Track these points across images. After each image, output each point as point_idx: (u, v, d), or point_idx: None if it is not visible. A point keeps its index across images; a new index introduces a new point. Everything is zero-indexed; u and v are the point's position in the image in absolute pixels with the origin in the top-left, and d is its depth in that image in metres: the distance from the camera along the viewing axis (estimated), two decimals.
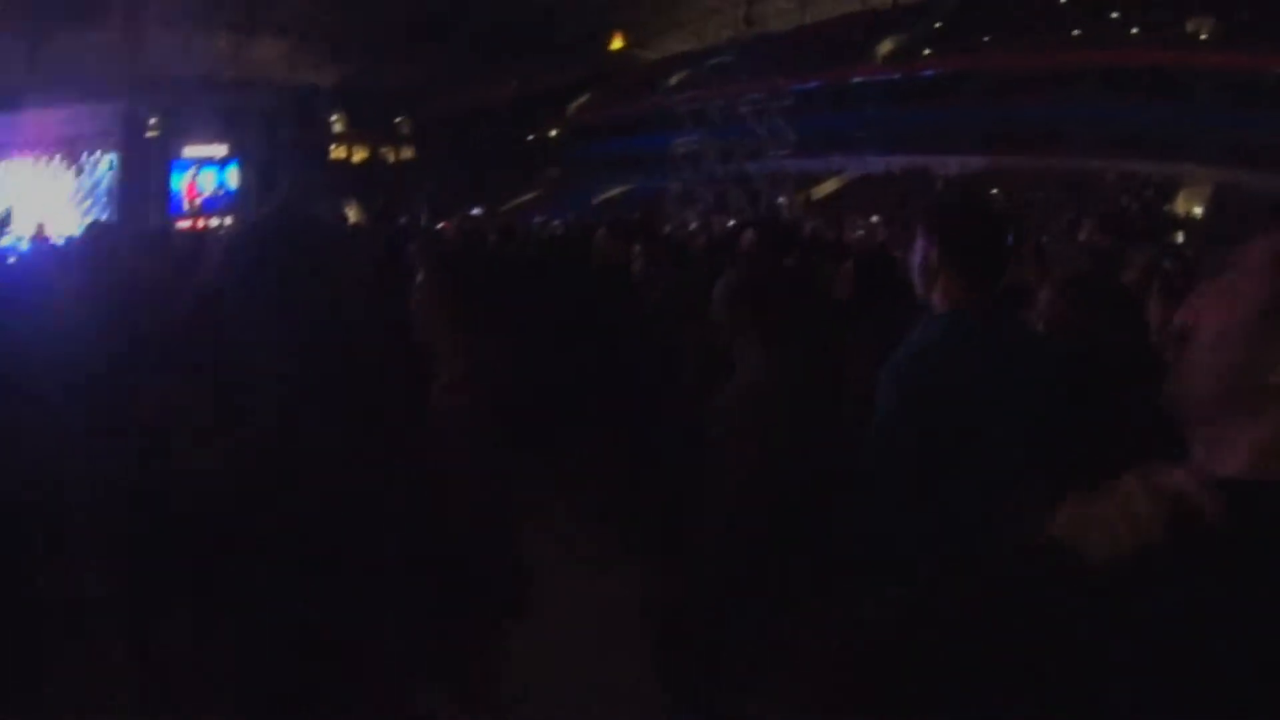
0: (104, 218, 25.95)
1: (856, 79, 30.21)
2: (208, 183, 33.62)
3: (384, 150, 36.60)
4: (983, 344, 1.67)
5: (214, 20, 34.55)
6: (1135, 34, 25.41)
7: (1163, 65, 24.49)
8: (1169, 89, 24.02)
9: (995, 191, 22.77)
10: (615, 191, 32.15)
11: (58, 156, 33.22)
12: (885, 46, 30.51)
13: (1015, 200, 22.01)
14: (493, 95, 33.33)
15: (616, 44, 32.38)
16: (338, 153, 36.11)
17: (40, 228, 14.87)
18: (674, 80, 34.04)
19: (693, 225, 13.92)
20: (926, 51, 29.90)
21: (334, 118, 36.02)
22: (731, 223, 13.42)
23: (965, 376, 1.57)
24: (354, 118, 36.90)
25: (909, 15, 30.98)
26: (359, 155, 36.10)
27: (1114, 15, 26.50)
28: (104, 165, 33.06)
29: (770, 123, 26.07)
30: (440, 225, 11.97)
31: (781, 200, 23.62)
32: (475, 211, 21.81)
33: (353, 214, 26.22)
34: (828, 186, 28.81)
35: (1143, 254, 6.94)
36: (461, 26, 32.20)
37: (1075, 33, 26.86)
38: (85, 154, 33.50)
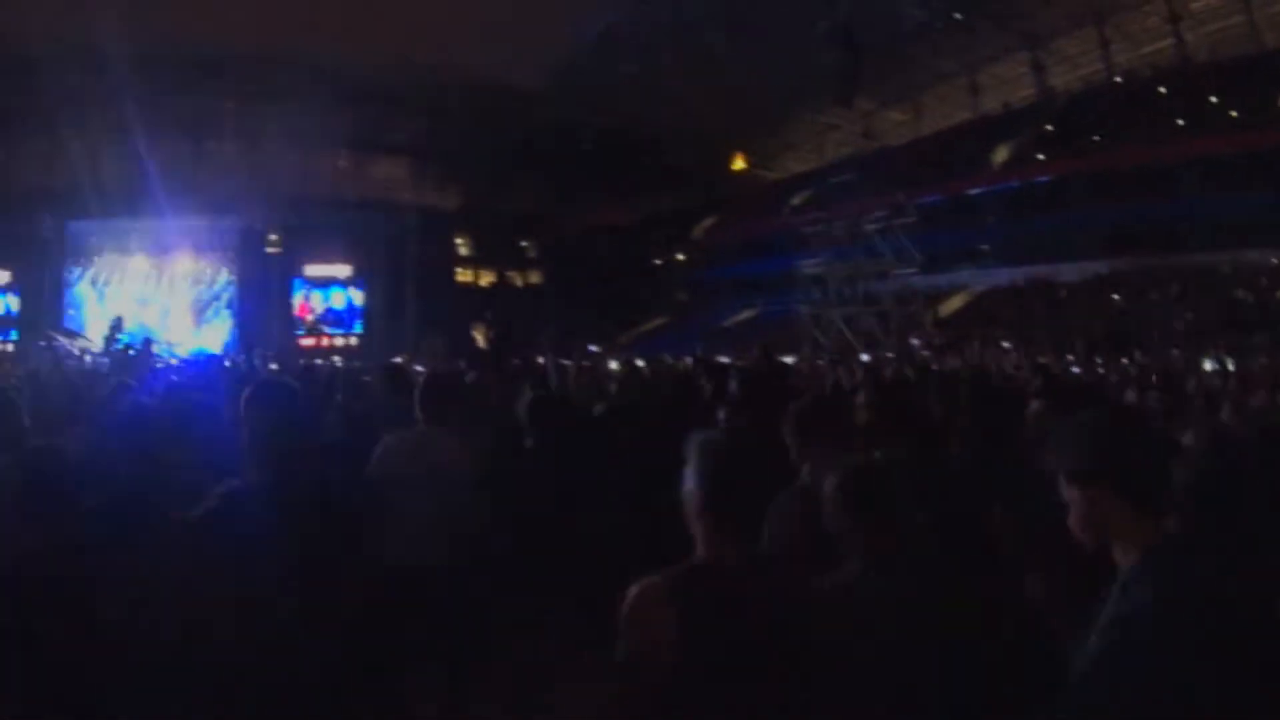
0: (223, 329, 44.44)
1: (974, 190, 41.25)
2: (333, 301, 47.43)
3: (510, 274, 48.87)
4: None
5: (334, 139, 48.43)
6: (1235, 117, 34.06)
7: (1263, 148, 31.99)
8: (1273, 173, 31.34)
9: (1116, 298, 32.39)
10: (744, 315, 43.79)
11: (176, 266, 48.80)
12: (1000, 154, 41.46)
13: (1134, 303, 31.31)
14: (617, 219, 45.15)
15: (738, 165, 43.66)
16: (463, 276, 48.54)
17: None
18: (797, 200, 46.37)
19: (821, 361, 18.38)
20: (1038, 156, 40.80)
21: (458, 240, 48.52)
22: (863, 360, 18.79)
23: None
24: (478, 240, 49.23)
25: (1020, 119, 42.56)
26: (485, 279, 48.40)
27: (1213, 100, 35.64)
28: (223, 278, 47.53)
29: (894, 240, 36.22)
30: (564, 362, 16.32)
31: (915, 342, 31.32)
32: (593, 349, 30.62)
33: (480, 338, 39.64)
34: (954, 303, 39.04)
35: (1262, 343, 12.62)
36: (581, 150, 45.32)
37: (1179, 122, 36.47)
38: (205, 266, 48.50)
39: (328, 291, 47.61)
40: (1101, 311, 33.69)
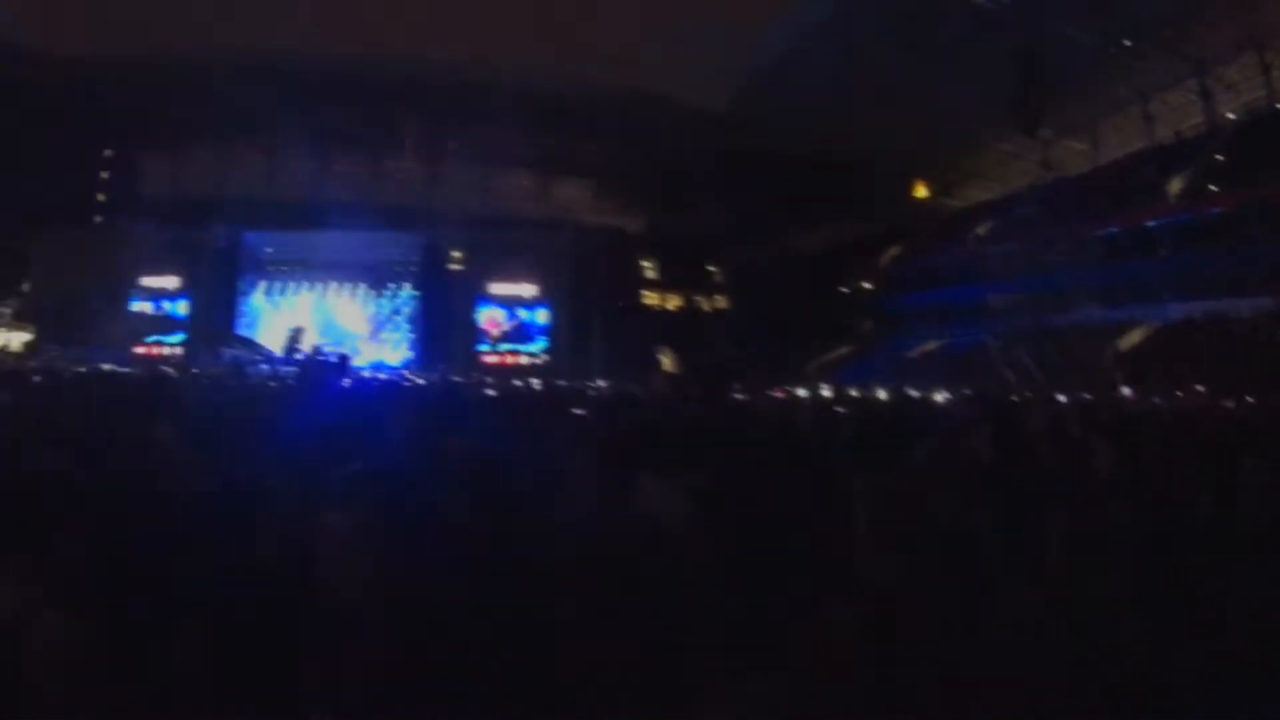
0: (403, 345, 63.93)
1: (1150, 222, 52.22)
2: (517, 319, 64.58)
3: (697, 297, 64.54)
4: None
5: (518, 159, 65.12)
6: None
7: None
8: None
9: None
10: (930, 346, 57.01)
11: (361, 280, 65.64)
12: (1174, 184, 52.93)
13: None
14: (803, 245, 61.60)
15: (922, 192, 59.11)
16: (649, 298, 64.06)
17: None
18: (980, 230, 60.40)
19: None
20: (1211, 187, 51.23)
21: (644, 262, 63.95)
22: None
23: None
24: (664, 263, 65.23)
25: (1191, 149, 54.41)
26: (672, 301, 64.23)
27: None
28: (403, 293, 65.01)
29: (1075, 273, 49.41)
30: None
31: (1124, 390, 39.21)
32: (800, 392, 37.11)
33: (666, 362, 54.41)
34: (1133, 338, 50.59)
35: None
36: (767, 174, 61.31)
37: None
38: (389, 280, 65.52)
39: (512, 310, 64.42)
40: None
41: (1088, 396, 28.68)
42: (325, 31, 63.53)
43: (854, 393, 32.77)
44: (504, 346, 65.85)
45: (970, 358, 51.29)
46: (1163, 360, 45.05)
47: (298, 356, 43.10)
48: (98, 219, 70.54)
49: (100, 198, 71.40)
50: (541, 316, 65.71)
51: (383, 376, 38.29)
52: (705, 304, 69.85)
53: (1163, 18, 53.23)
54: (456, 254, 65.58)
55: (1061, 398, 28.25)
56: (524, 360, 64.43)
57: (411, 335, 66.60)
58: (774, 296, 64.47)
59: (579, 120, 64.73)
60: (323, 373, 24.73)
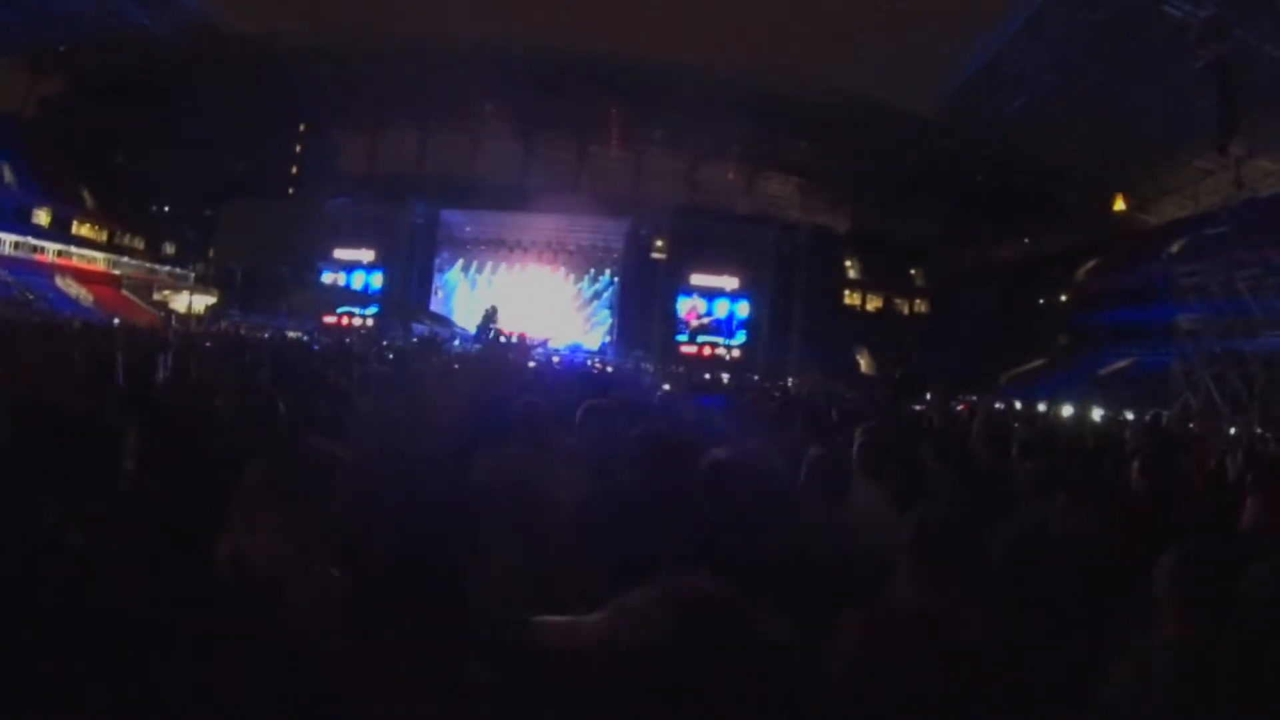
0: (600, 329, 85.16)
1: None
2: (717, 311, 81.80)
3: (897, 301, 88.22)
4: None
5: (725, 152, 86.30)
6: None
7: None
8: None
9: None
10: (1120, 364, 74.51)
11: (560, 263, 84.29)
12: None
13: None
14: (1004, 254, 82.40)
15: (1119, 206, 77.76)
16: (851, 298, 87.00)
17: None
18: (1174, 248, 74.75)
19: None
20: None
21: (847, 262, 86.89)
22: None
23: None
24: (867, 264, 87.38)
25: None
26: (872, 303, 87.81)
27: None
28: (604, 278, 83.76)
29: (1265, 298, 58.43)
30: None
31: None
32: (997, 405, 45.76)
33: (864, 363, 79.27)
34: None
35: None
36: (971, 181, 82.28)
37: None
38: (589, 265, 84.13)
39: (712, 301, 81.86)
40: None
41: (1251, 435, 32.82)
42: (539, 18, 74.88)
43: (1022, 409, 40.54)
44: (702, 338, 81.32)
45: (1156, 379, 59.68)
46: None
47: (490, 335, 51.00)
48: (290, 191, 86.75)
49: (294, 171, 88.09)
50: (742, 310, 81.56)
51: (572, 360, 49.07)
52: (905, 307, 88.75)
53: None
54: (659, 243, 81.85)
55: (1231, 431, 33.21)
56: (721, 352, 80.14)
57: (610, 321, 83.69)
58: (972, 304, 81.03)
59: (789, 117, 79.32)
60: (511, 352, 29.13)
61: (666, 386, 25.31)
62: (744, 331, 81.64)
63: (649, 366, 57.61)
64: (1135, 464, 9.96)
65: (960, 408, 29.78)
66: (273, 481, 4.34)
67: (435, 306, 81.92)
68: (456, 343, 53.99)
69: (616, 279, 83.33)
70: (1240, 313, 57.95)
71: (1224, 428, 34.96)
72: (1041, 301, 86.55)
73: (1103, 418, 40.21)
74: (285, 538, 4.19)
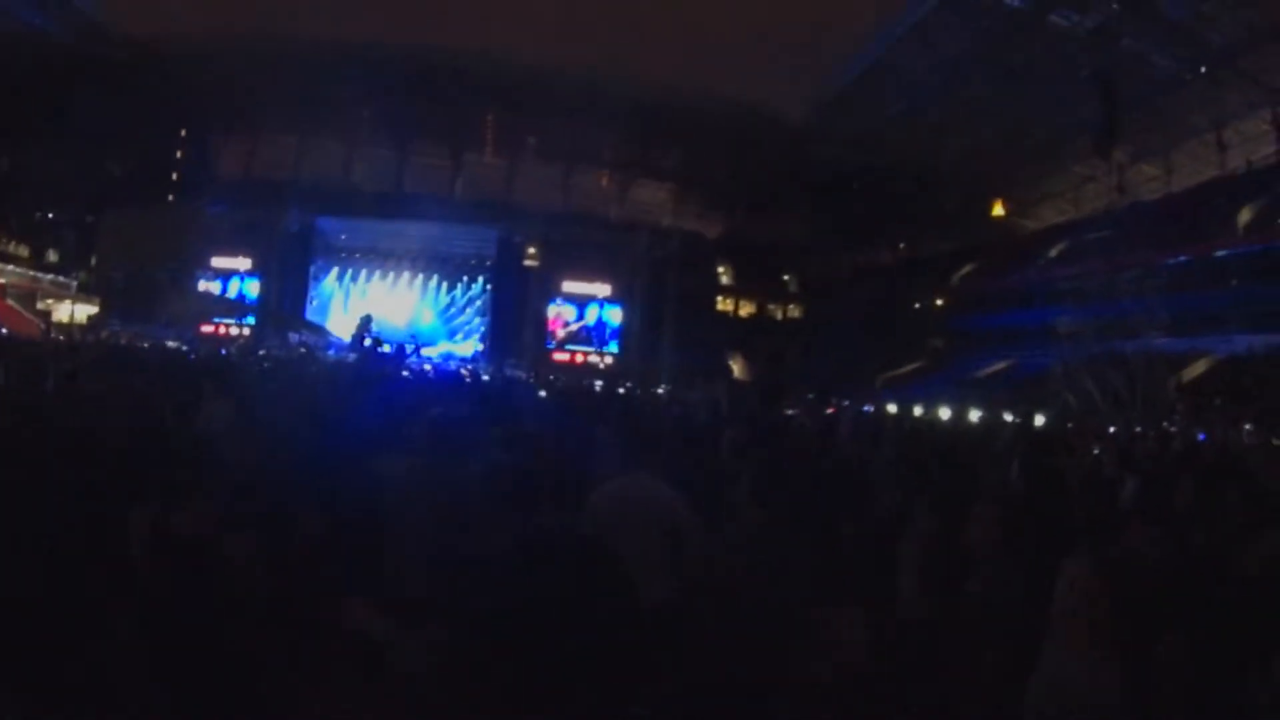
0: (473, 337, 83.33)
1: (1219, 252, 63.70)
2: (587, 318, 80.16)
3: (771, 306, 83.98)
4: None
5: (598, 159, 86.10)
6: None
7: None
8: None
9: None
10: (998, 366, 74.68)
11: (429, 271, 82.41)
12: (1244, 215, 65.00)
13: None
14: (878, 259, 75.45)
15: (997, 211, 73.65)
16: (724, 304, 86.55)
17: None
18: (1053, 252, 78.53)
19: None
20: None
21: (720, 268, 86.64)
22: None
23: None
24: (740, 270, 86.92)
25: (1265, 179, 67.22)
26: (745, 308, 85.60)
27: None
28: (476, 287, 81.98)
29: (1144, 300, 61.02)
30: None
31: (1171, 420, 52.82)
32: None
33: (737, 368, 68.31)
34: (1196, 369, 65.74)
35: None
36: (845, 187, 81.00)
37: None
38: (462, 273, 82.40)
39: (584, 308, 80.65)
40: None
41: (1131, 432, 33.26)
42: (407, 22, 72.89)
43: (894, 411, 40.30)
44: (574, 345, 79.81)
45: (1036, 381, 60.26)
46: (1223, 393, 51.93)
47: (365, 344, 49.60)
48: (170, 198, 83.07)
49: (174, 177, 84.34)
50: (614, 317, 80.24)
51: (444, 368, 48.85)
52: (779, 313, 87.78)
53: (1241, 46, 61.04)
54: (532, 250, 79.89)
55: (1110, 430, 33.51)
56: (593, 360, 79.01)
57: (483, 329, 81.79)
58: (847, 309, 79.33)
59: (661, 124, 77.94)
60: (384, 361, 28.40)
61: (542, 393, 27.30)
62: (616, 339, 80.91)
63: (520, 374, 55.91)
64: (1014, 464, 11.16)
65: (829, 411, 30.94)
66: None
67: (311, 315, 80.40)
68: (331, 352, 53.31)
69: (489, 286, 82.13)
70: (1120, 314, 59.13)
71: (1104, 427, 35.24)
72: (917, 306, 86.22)
73: (980, 419, 40.40)
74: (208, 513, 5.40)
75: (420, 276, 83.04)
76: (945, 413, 43.44)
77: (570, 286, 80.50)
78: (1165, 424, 40.75)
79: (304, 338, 67.44)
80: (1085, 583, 5.10)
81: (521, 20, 74.03)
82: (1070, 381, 53.98)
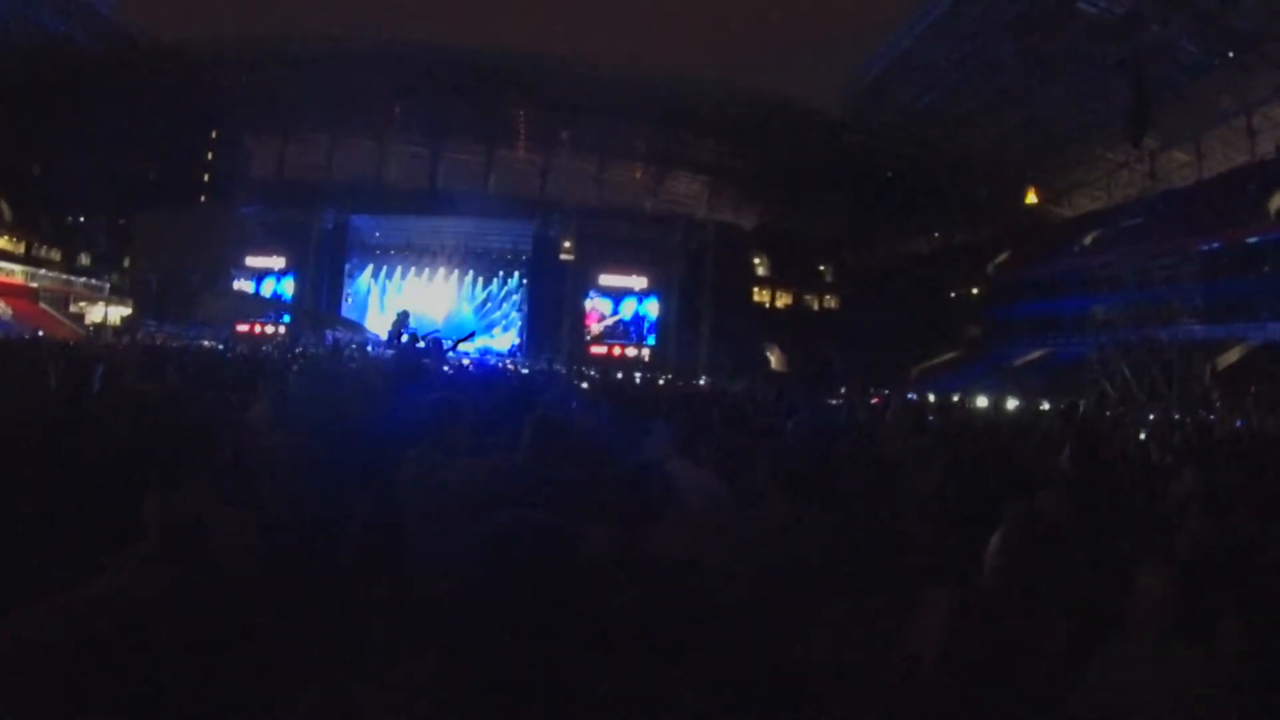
0: (510, 331, 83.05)
1: (1252, 238, 63.23)
2: (623, 312, 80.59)
3: (807, 296, 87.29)
4: None
5: (633, 152, 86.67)
6: None
7: None
8: None
9: None
10: (1034, 355, 75.20)
11: (470, 267, 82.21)
12: (1276, 201, 64.23)
13: None
14: (914, 248, 74.36)
15: (1031, 199, 72.14)
16: (760, 295, 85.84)
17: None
18: (1087, 240, 78.84)
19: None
20: None
21: (756, 260, 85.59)
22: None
23: None
24: (775, 261, 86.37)
25: None
26: (781, 300, 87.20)
27: None
28: (513, 281, 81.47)
29: (1179, 287, 62.88)
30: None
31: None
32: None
33: (774, 360, 67.20)
34: (1231, 355, 65.25)
35: None
36: (880, 176, 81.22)
37: None
38: (498, 268, 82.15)
39: (620, 302, 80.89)
40: None
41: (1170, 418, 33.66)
42: (446, 19, 72.61)
43: (936, 400, 39.93)
44: (611, 339, 79.37)
45: (1072, 370, 58.93)
46: (1257, 380, 48.70)
47: (402, 341, 49.08)
48: (202, 199, 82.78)
49: (206, 178, 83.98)
50: (650, 310, 79.62)
51: (485, 362, 48.36)
52: (815, 303, 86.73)
53: (1268, 31, 60.30)
54: (567, 244, 78.00)
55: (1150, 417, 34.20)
56: (630, 353, 78.30)
57: (520, 323, 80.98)
58: (883, 299, 78.75)
59: (696, 117, 76.33)
60: (422, 356, 28.21)
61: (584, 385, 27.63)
62: (653, 333, 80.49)
63: (560, 368, 55.44)
64: (1066, 452, 10.46)
65: (874, 401, 29.58)
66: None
67: (346, 312, 79.91)
68: (369, 348, 52.89)
69: (525, 281, 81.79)
70: (1155, 301, 59.29)
71: (1143, 414, 35.08)
72: (953, 295, 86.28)
73: (1018, 408, 40.25)
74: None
75: (456, 272, 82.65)
76: (983, 401, 43.21)
77: (606, 280, 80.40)
78: (1201, 411, 40.13)
79: (340, 335, 65.75)
80: (1161, 574, 5.24)
81: (553, 14, 74.11)
82: (1106, 369, 53.31)
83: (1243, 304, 61.06)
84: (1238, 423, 32.93)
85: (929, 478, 8.92)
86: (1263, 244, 61.09)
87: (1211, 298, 60.77)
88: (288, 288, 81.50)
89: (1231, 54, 64.01)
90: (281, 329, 76.36)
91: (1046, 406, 36.62)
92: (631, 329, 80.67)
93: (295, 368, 22.54)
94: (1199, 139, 73.94)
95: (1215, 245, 63.26)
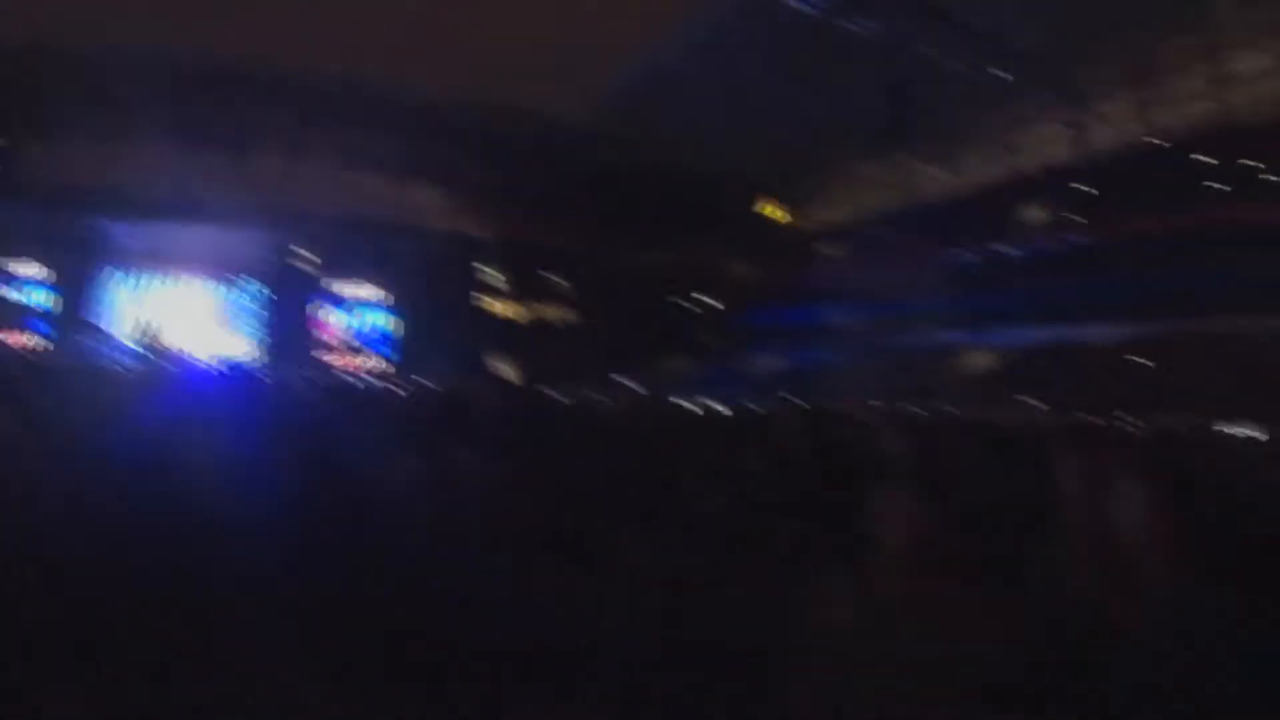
0: (250, 341, 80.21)
1: (1007, 250, 63.97)
2: (360, 322, 79.74)
3: (543, 308, 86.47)
4: None
5: (373, 162, 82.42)
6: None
7: None
8: None
9: (1145, 361, 48.45)
10: (774, 362, 73.40)
11: (209, 275, 79.09)
12: (1033, 214, 64.69)
13: (1164, 367, 47.42)
14: (652, 259, 76.24)
15: (775, 212, 72.36)
16: (494, 306, 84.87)
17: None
18: (832, 250, 78.21)
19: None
20: (1074, 218, 62.89)
21: (491, 270, 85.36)
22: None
23: None
24: (511, 272, 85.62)
25: (1057, 180, 66.82)
26: (516, 312, 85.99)
27: (1258, 165, 53.31)
28: (253, 290, 79.45)
29: (925, 295, 62.89)
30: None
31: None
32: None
33: (505, 370, 66.55)
34: (979, 361, 65.47)
35: None
36: (619, 188, 79.58)
37: (1223, 186, 54.07)
38: (233, 277, 79.14)
39: (355, 312, 79.73)
40: (1130, 375, 46.67)
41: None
42: (192, 25, 70.86)
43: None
44: (345, 349, 78.73)
45: (814, 376, 60.39)
46: (1004, 381, 53.24)
47: (144, 349, 48.69)
48: None
49: None
50: (385, 320, 79.91)
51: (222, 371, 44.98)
52: (551, 315, 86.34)
53: (1037, 51, 60.02)
54: (306, 253, 78.67)
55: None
56: (364, 362, 77.73)
57: (259, 333, 79.39)
58: (621, 309, 78.93)
59: (435, 127, 75.77)
60: (164, 365, 27.01)
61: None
62: (387, 342, 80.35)
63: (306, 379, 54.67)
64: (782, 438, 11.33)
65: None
66: None
67: (97, 320, 75.98)
68: (119, 357, 51.28)
69: (265, 290, 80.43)
70: (900, 312, 61.59)
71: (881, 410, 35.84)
72: (693, 305, 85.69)
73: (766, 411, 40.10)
74: None
75: (201, 281, 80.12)
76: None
77: (344, 289, 79.88)
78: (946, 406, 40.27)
79: (90, 343, 65.20)
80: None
81: (302, 25, 72.22)
82: (849, 376, 54.66)
83: (996, 313, 60.74)
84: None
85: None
86: (1018, 256, 61.29)
87: (962, 308, 60.97)
88: (42, 295, 76.70)
89: (998, 72, 62.83)
90: (37, 338, 73.03)
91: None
92: (365, 339, 79.77)
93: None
94: (958, 156, 73.12)
95: (967, 257, 63.60)
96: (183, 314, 77.62)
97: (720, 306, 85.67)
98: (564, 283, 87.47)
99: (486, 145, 78.22)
